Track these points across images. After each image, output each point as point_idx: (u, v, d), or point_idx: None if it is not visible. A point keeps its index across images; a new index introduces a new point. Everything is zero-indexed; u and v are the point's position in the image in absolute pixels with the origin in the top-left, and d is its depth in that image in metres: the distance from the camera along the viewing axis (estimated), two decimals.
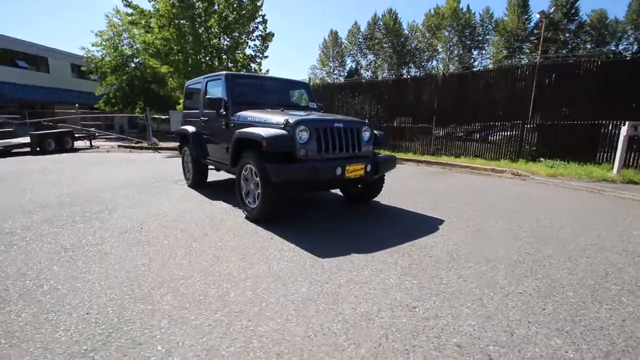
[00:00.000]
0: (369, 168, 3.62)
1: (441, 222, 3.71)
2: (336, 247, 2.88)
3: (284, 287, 2.17)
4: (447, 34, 42.37)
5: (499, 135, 10.04)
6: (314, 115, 3.72)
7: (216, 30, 14.51)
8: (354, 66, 45.40)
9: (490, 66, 42.09)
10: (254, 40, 15.81)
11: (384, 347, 1.62)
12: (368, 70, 46.85)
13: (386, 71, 43.59)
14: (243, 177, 3.71)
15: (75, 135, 13.00)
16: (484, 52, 43.90)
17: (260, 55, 16.02)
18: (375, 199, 4.61)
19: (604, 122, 8.37)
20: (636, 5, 39.39)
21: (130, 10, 13.84)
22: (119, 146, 13.67)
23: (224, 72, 4.57)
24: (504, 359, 1.54)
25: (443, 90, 10.99)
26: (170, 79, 15.60)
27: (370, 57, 44.62)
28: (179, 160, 8.89)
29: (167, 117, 15.56)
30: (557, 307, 1.98)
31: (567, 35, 42.96)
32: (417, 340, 1.67)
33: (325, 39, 45.84)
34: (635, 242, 3.14)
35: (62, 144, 11.86)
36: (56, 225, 3.42)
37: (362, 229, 3.41)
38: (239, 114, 4.04)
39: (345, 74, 43.22)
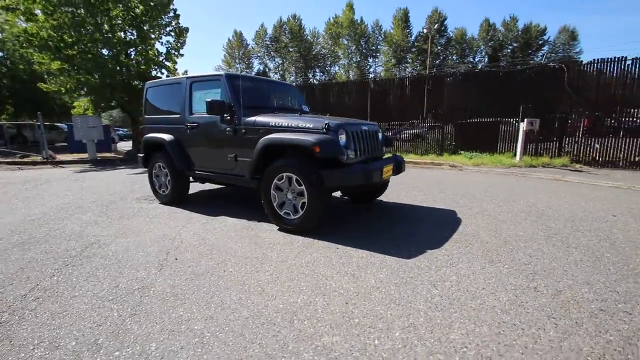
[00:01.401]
0: (394, 168, 3.79)
1: (453, 212, 4.14)
2: (400, 246, 2.95)
3: (415, 293, 2.16)
4: (346, 42, 45.75)
5: (411, 133, 11.62)
6: (342, 119, 3.68)
7: (121, 22, 12.53)
8: (262, 68, 44.91)
9: (383, 73, 47.45)
10: (167, 35, 14.23)
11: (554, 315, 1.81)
12: (276, 73, 46.98)
13: (293, 74, 44.54)
14: (275, 187, 3.42)
15: None
16: (377, 60, 48.97)
17: (176, 53, 14.52)
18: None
19: (500, 119, 10.50)
20: (485, 25, 49.77)
21: None
22: None
23: (222, 72, 4.09)
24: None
25: (376, 94, 12.03)
26: (59, 78, 12.75)
27: (278, 60, 44.86)
28: (109, 175, 7.56)
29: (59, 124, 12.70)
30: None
31: (439, 48, 51.35)
32: (553, 308, 1.92)
33: (229, 39, 44.10)
34: (551, 205, 4.12)
35: None
36: (63, 276, 2.54)
37: (400, 228, 3.55)
38: (253, 119, 3.68)
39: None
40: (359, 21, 45.31)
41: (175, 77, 4.54)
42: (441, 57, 51.39)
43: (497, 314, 1.91)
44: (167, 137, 4.45)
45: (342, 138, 3.27)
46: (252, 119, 3.69)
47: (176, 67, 14.86)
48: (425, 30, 31.54)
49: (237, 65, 44.07)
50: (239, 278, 2.38)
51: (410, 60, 49.93)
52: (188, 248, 2.99)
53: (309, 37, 43.55)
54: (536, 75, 10.08)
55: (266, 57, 43.48)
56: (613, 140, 8.72)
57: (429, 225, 3.62)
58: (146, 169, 5.07)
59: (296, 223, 3.29)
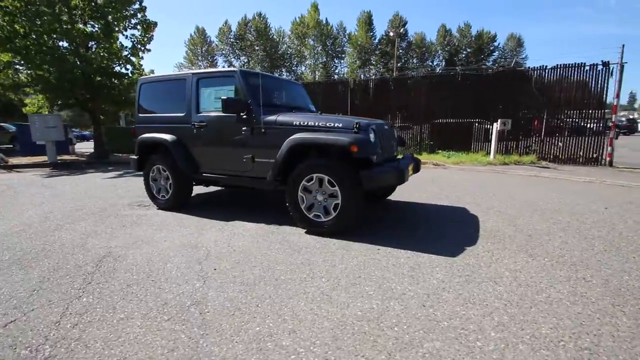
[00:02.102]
0: (414, 168, 3.83)
1: (464, 209, 4.28)
2: (438, 245, 2.98)
3: (482, 290, 2.17)
4: (312, 42, 45.82)
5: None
6: (367, 119, 3.63)
7: (81, 12, 11.46)
8: (227, 66, 43.45)
9: (348, 74, 48.19)
10: (133, 29, 13.26)
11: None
12: None
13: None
14: (303, 189, 3.28)
15: None
16: (342, 61, 49.64)
17: (142, 48, 13.58)
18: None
19: (473, 120, 11.13)
20: (442, 31, 52.48)
21: None
22: None
23: (236, 68, 3.85)
24: None
25: (357, 94, 12.19)
26: (6, 72, 11.35)
27: (243, 58, 43.69)
28: (81, 180, 6.99)
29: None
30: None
31: (401, 51, 53.26)
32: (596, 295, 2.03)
33: (192, 35, 42.06)
34: (546, 200, 4.47)
35: None
36: (93, 296, 2.20)
37: (425, 227, 3.59)
38: (274, 118, 3.51)
39: None
40: (324, 22, 45.64)
41: (177, 72, 4.20)
42: (402, 60, 53.37)
43: (568, 305, 1.98)
44: (168, 137, 4.11)
45: (372, 137, 3.23)
46: (273, 118, 3.52)
47: (141, 63, 13.93)
48: (391, 34, 32.54)
49: (200, 63, 42.28)
50: (296, 286, 2.24)
51: (374, 63, 51.25)
52: (220, 257, 2.77)
53: (275, 37, 43.01)
54: (504, 78, 10.80)
55: (231, 55, 42.23)
56: (574, 140, 9.59)
57: (451, 223, 3.70)
58: (135, 172, 4.66)
59: (328, 225, 3.19)
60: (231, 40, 40.30)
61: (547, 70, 9.94)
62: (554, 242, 3.04)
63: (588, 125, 9.53)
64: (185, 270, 2.52)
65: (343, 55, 48.42)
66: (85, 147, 18.00)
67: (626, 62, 8.72)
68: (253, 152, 3.63)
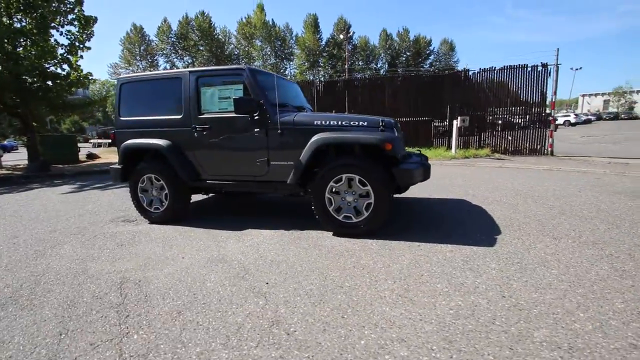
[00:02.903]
0: None
1: (466, 201, 4.50)
2: (470, 236, 3.08)
3: (544, 275, 2.27)
4: (259, 43, 45.02)
5: None
6: (381, 117, 3.61)
7: (4, 4, 9.86)
8: (169, 67, 40.57)
9: (297, 76, 48.27)
10: (69, 24, 11.78)
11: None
12: None
13: None
14: (331, 190, 3.16)
15: None
16: (292, 63, 49.60)
17: (81, 46, 12.12)
18: None
19: (432, 118, 11.84)
20: (384, 35, 55.16)
21: None
22: None
23: (243, 65, 3.57)
24: None
25: (323, 94, 12.23)
26: None
27: (187, 58, 41.22)
28: (30, 197, 6.20)
29: None
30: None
31: (347, 53, 54.83)
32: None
33: (128, 33, 38.34)
34: (525, 187, 4.98)
35: None
36: (144, 332, 1.82)
37: (444, 220, 3.70)
38: (291, 118, 3.33)
39: None
40: (271, 23, 45.14)
41: (168, 70, 3.80)
42: (349, 62, 54.98)
43: (619, 280, 2.16)
44: (163, 142, 3.68)
45: (397, 134, 3.23)
46: (290, 118, 3.34)
47: (79, 64, 12.42)
48: (342, 36, 33.32)
49: (139, 63, 38.88)
50: (368, 291, 2.13)
51: (322, 65, 52.01)
52: (260, 270, 2.54)
53: (220, 36, 41.37)
54: (451, 79, 11.68)
55: (173, 55, 39.55)
56: (521, 133, 10.70)
57: (463, 214, 3.85)
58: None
59: (361, 226, 3.11)
60: (172, 39, 37.78)
61: (495, 71, 10.93)
62: (563, 225, 3.32)
63: (533, 120, 10.70)
64: (232, 288, 2.26)
65: (292, 57, 48.38)
66: (11, 159, 15.51)
67: (560, 64, 9.97)
68: (268, 155, 3.41)
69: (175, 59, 40.27)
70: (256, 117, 3.36)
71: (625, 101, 49.58)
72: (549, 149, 10.21)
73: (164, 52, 38.04)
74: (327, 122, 3.25)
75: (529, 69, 10.35)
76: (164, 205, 3.84)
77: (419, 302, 1.99)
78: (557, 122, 12.28)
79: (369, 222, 3.09)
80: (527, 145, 10.61)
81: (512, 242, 2.90)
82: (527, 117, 10.73)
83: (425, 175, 3.22)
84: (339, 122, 3.24)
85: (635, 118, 41.55)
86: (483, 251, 2.71)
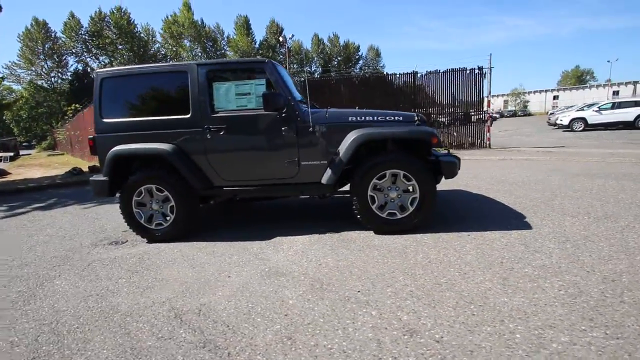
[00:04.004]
0: None
1: (464, 191, 4.78)
2: (504, 223, 3.26)
3: (600, 247, 2.49)
4: (188, 44, 42.20)
5: None
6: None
7: None
8: (82, 67, 35.21)
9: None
10: None
11: None
12: None
13: None
14: (374, 187, 3.04)
15: None
16: None
17: None
18: None
19: None
20: (316, 39, 56.43)
21: None
22: None
23: (263, 58, 3.23)
24: None
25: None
26: None
27: (104, 58, 36.35)
28: None
29: None
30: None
31: (281, 57, 54.71)
32: None
33: (28, 29, 32.03)
34: (502, 175, 5.62)
35: None
36: None
37: (463, 209, 3.86)
38: (323, 114, 3.14)
39: (70, 77, 32.33)
40: (200, 23, 42.71)
41: (167, 63, 3.30)
42: (284, 66, 54.97)
43: None
44: (167, 146, 3.15)
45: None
46: (322, 114, 3.15)
47: None
48: (281, 39, 33.05)
49: (43, 63, 32.92)
50: (472, 285, 2.07)
51: None
52: (333, 278, 2.31)
53: (143, 35, 37.58)
54: (404, 80, 12.48)
55: (86, 54, 34.47)
56: (464, 129, 11.88)
57: (476, 203, 4.07)
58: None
59: (407, 222, 3.06)
60: (84, 36, 32.86)
61: (439, 74, 11.93)
62: (567, 205, 3.71)
63: (473, 117, 11.95)
64: (324, 301, 2.00)
65: (225, 59, 46.46)
66: None
67: (493, 67, 11.32)
68: (298, 155, 3.15)
69: (88, 59, 35.31)
70: (284, 114, 3.09)
71: (520, 101, 58.76)
72: (488, 142, 11.50)
73: (74, 50, 32.88)
74: (363, 118, 3.14)
75: (468, 71, 11.53)
76: (169, 220, 3.29)
77: (525, 287, 2.01)
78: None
79: (415, 217, 3.05)
80: (469, 139, 11.81)
81: (543, 223, 3.14)
82: (466, 114, 11.96)
83: (459, 168, 3.32)
84: (375, 118, 3.15)
85: (530, 115, 49.56)
86: (529, 234, 2.88)
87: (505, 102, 62.02)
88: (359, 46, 62.25)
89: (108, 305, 2.14)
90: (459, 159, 3.28)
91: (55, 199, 6.24)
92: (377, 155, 3.06)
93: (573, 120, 16.52)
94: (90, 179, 3.42)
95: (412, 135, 3.02)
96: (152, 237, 3.34)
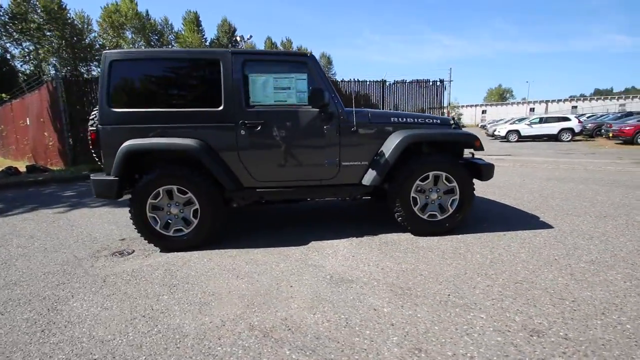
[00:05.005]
0: None
1: None
2: (530, 223, 3.47)
3: (631, 243, 2.75)
4: (130, 35, 38.68)
5: None
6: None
7: None
8: (0, 53, 29.81)
9: None
10: None
11: None
12: (28, 63, 32.83)
13: (55, 67, 32.88)
14: (416, 189, 3.02)
15: None
16: None
17: None
18: None
19: None
20: (269, 42, 55.86)
21: None
22: None
23: (305, 51, 3.02)
24: None
25: None
26: None
27: (28, 45, 31.43)
28: None
29: None
30: None
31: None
32: None
33: None
34: None
35: None
36: None
37: (481, 211, 4.04)
38: (366, 114, 3.06)
39: None
40: (144, 14, 39.52)
41: (195, 49, 2.96)
42: None
43: None
44: (193, 142, 2.78)
45: None
46: (365, 113, 3.07)
47: None
48: (238, 38, 31.89)
49: None
50: (547, 282, 2.14)
51: None
52: (406, 283, 2.22)
53: (77, 22, 33.48)
54: (373, 87, 12.92)
55: (5, 38, 29.42)
56: None
57: (485, 205, 4.28)
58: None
59: (447, 223, 3.09)
60: (3, 18, 28.01)
61: (406, 84, 12.57)
62: (564, 206, 4.08)
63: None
64: (413, 308, 1.91)
65: None
66: None
67: (452, 80, 12.28)
68: (339, 155, 3.02)
69: (8, 44, 30.30)
70: (327, 112, 2.93)
71: (456, 114, 64.78)
72: None
73: None
74: (405, 120, 3.13)
75: (430, 83, 12.36)
76: (192, 226, 2.90)
77: (594, 281, 2.13)
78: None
79: (456, 218, 3.10)
80: None
81: (560, 222, 3.41)
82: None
83: None
84: (415, 120, 3.16)
85: (464, 126, 54.77)
86: (556, 233, 3.10)
87: (443, 114, 67.87)
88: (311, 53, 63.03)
89: (167, 329, 1.78)
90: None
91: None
92: (419, 157, 3.07)
93: (509, 132, 18.67)
94: (92, 178, 2.87)
95: (459, 138, 3.09)
96: (170, 245, 2.91)
